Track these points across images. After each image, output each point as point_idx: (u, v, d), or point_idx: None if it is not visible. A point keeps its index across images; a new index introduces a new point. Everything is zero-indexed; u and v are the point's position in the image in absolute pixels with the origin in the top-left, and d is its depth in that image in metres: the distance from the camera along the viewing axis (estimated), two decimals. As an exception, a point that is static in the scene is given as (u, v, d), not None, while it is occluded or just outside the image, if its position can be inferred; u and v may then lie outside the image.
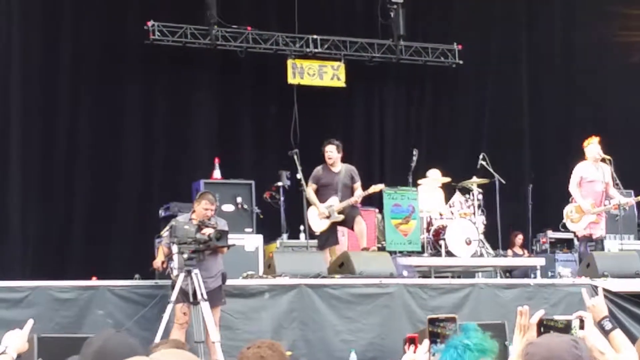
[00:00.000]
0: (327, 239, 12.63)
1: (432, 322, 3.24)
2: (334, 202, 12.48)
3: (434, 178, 14.24)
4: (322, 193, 12.57)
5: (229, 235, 10.14)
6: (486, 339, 2.47)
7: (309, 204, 12.58)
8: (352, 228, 12.64)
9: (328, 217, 12.43)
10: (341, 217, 12.45)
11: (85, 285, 10.60)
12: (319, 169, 12.66)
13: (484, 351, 2.42)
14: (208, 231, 9.73)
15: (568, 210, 13.61)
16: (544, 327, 3.82)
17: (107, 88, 15.30)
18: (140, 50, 15.53)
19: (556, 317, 3.90)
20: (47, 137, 14.85)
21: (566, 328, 3.81)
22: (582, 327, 3.81)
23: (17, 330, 3.99)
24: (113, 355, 3.41)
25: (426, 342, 3.07)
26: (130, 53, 15.66)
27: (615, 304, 12.00)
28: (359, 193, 12.57)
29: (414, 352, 5.20)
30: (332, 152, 12.58)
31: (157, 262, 10.40)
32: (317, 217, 12.51)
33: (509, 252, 15.79)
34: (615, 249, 13.96)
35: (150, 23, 15.25)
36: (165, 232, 10.14)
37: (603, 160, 13.35)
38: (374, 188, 12.84)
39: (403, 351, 5.31)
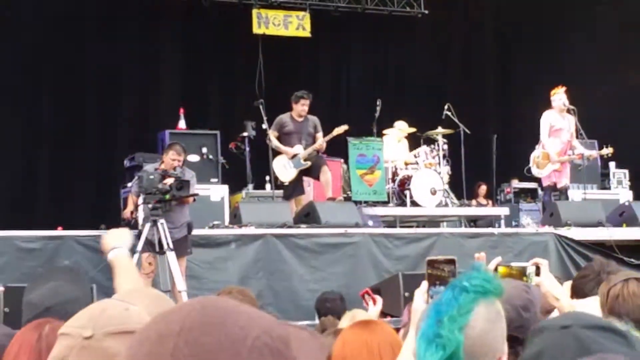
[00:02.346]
0: (293, 189, 12.62)
1: (430, 264, 3.17)
2: (299, 150, 12.47)
3: (400, 128, 14.26)
4: (287, 141, 12.53)
5: (196, 186, 10.14)
6: (490, 280, 2.36)
7: (275, 154, 12.56)
8: (317, 178, 12.64)
9: (294, 157, 12.38)
10: (308, 163, 12.43)
11: (51, 235, 10.53)
12: (283, 117, 12.58)
13: (484, 293, 2.30)
14: (169, 181, 9.70)
15: (535, 155, 13.61)
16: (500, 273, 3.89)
17: (70, 40, 15.18)
18: (103, 1, 15.39)
19: (512, 264, 3.95)
20: (11, 91, 14.73)
21: (521, 274, 3.87)
22: (537, 273, 3.86)
23: (120, 229, 3.83)
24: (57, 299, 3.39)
25: (424, 284, 3.04)
26: (93, 4, 15.52)
27: (579, 252, 12.14)
28: (322, 139, 12.53)
29: (374, 304, 5.25)
30: (307, 106, 12.52)
31: (127, 212, 10.43)
32: (285, 163, 12.47)
33: (473, 202, 15.87)
34: (579, 198, 14.08)
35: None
36: (134, 182, 10.13)
37: (568, 110, 13.40)
38: (338, 130, 12.78)
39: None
